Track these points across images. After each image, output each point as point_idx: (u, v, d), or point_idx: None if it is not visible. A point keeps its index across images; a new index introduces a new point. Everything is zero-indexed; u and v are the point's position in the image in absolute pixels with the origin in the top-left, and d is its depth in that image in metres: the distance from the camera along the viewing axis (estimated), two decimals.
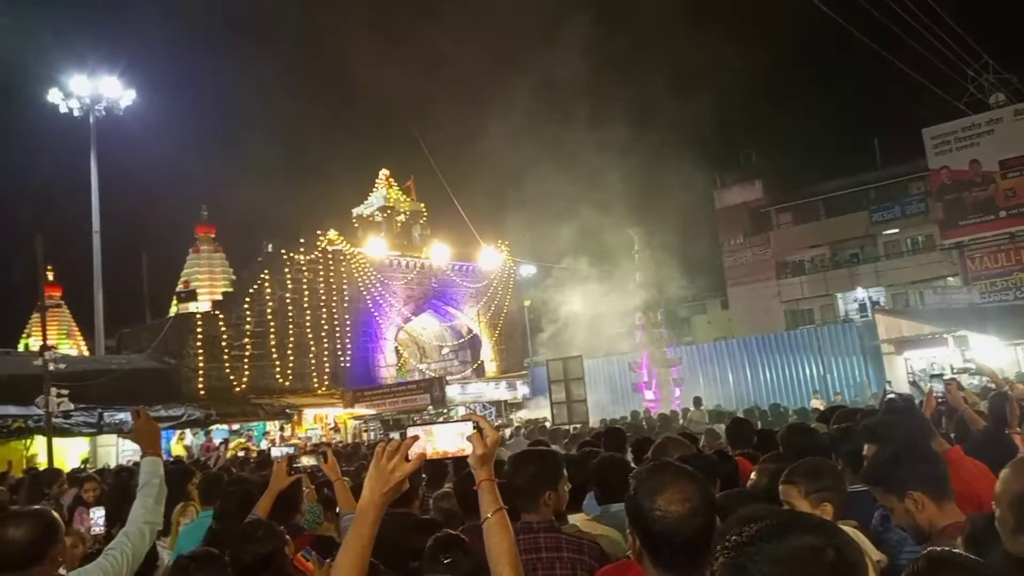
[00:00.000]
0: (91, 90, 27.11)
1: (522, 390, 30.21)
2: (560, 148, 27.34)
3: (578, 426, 16.66)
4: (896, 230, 35.33)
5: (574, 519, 3.47)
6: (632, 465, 4.48)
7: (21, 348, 34.52)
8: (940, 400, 5.21)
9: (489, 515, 1.88)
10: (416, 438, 1.79)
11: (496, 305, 34.32)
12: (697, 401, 18.33)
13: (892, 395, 13.81)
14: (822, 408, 16.58)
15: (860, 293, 32.97)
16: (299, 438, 22.10)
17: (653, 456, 3.82)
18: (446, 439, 1.85)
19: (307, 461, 3.93)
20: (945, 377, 5.48)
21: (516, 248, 34.94)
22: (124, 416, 19.02)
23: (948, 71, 26.63)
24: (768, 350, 24.77)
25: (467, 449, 1.86)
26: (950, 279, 32.62)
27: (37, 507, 3.19)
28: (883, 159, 37.87)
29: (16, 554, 2.54)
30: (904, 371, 21.91)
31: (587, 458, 4.28)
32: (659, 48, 65.03)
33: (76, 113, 27.10)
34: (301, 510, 3.90)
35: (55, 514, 2.88)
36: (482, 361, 33.42)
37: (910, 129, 33.47)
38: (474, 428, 1.87)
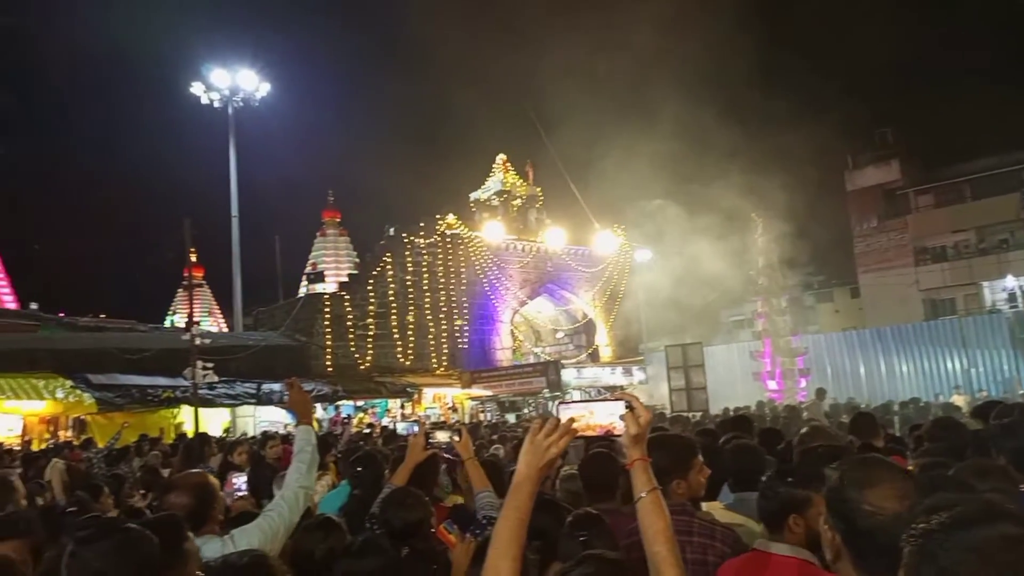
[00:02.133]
0: (230, 83, 28.73)
1: (638, 375, 29.87)
2: (682, 129, 26.62)
3: (698, 415, 16.31)
4: None
5: (708, 507, 3.40)
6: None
7: (167, 324, 37.40)
8: None
9: (644, 494, 1.85)
10: (572, 420, 1.79)
11: (611, 290, 34.04)
12: (820, 393, 17.52)
13: None
14: (963, 405, 15.49)
15: (1010, 282, 30.47)
16: (419, 416, 22.80)
17: (799, 446, 3.67)
18: (603, 417, 1.85)
19: (441, 437, 4.01)
20: None
21: (633, 232, 34.41)
22: (269, 388, 20.33)
23: None
24: (905, 341, 23.36)
25: (619, 428, 1.85)
26: None
27: (194, 471, 3.42)
28: None
29: (185, 518, 2.71)
30: None
31: (721, 447, 4.17)
32: (790, 20, 62.22)
33: (216, 105, 28.82)
34: (439, 483, 4.01)
35: (211, 477, 3.07)
36: (597, 346, 33.28)
37: None
38: (627, 408, 1.85)
